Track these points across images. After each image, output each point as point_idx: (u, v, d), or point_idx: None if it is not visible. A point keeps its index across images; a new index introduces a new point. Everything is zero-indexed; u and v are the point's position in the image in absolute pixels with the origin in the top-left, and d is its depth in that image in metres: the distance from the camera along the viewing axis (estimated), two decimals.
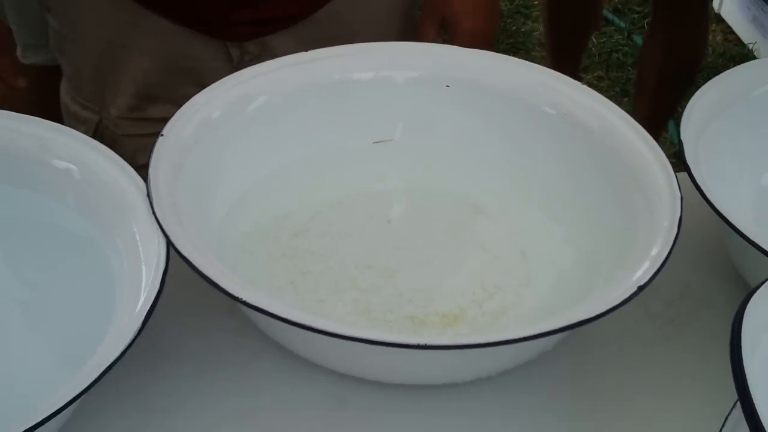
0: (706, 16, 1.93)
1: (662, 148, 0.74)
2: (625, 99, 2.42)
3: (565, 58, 2.15)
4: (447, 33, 1.03)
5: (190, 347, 0.69)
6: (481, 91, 0.81)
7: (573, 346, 0.71)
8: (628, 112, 0.77)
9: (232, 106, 0.76)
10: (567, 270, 0.73)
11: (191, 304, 0.72)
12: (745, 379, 0.44)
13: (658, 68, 1.93)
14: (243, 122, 0.77)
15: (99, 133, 0.98)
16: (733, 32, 2.77)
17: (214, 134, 0.74)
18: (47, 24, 1.03)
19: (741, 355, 0.46)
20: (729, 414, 0.55)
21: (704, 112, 0.77)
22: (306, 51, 0.81)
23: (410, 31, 1.06)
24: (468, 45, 0.94)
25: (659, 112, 2.00)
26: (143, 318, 0.57)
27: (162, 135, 0.71)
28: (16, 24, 1.24)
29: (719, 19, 2.84)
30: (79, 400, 0.54)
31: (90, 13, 0.97)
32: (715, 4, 2.87)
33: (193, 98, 0.74)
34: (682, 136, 0.74)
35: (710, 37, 2.73)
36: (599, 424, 0.66)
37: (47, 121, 0.72)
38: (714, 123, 0.77)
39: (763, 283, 0.50)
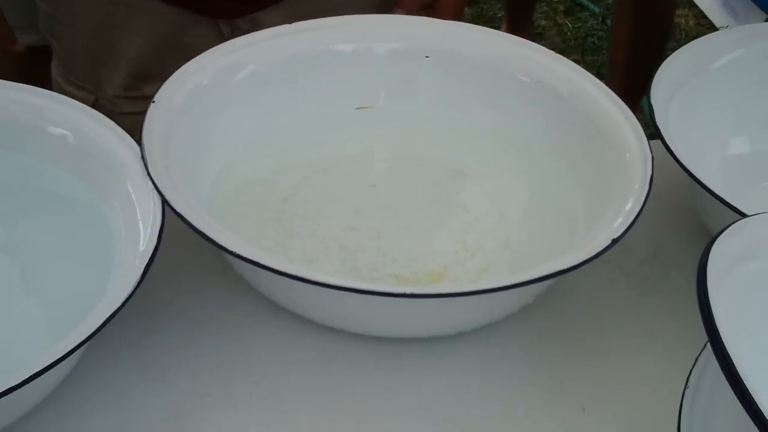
0: None
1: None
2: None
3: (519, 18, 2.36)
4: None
5: (183, 304, 0.72)
6: (459, 61, 0.84)
7: (552, 303, 0.74)
8: None
9: (221, 75, 0.79)
10: (545, 228, 0.77)
11: (185, 264, 0.74)
12: (712, 316, 0.47)
13: (628, 43, 1.97)
14: (231, 90, 0.79)
15: None
16: (705, 16, 2.81)
17: (204, 101, 0.77)
18: (34, 5, 1.05)
19: (707, 293, 0.49)
20: (699, 354, 0.58)
21: (673, 78, 0.80)
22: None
23: (390, 5, 1.09)
24: (450, 12, 0.97)
25: (632, 87, 2.01)
26: (142, 270, 0.60)
27: (154, 102, 0.73)
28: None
29: (691, 4, 2.88)
30: (80, 349, 0.57)
31: None
32: None
33: (183, 66, 0.77)
34: (652, 101, 0.77)
35: (683, 21, 2.77)
36: (577, 375, 0.70)
37: (41, 89, 0.75)
38: (682, 89, 0.81)
39: (725, 228, 0.53)
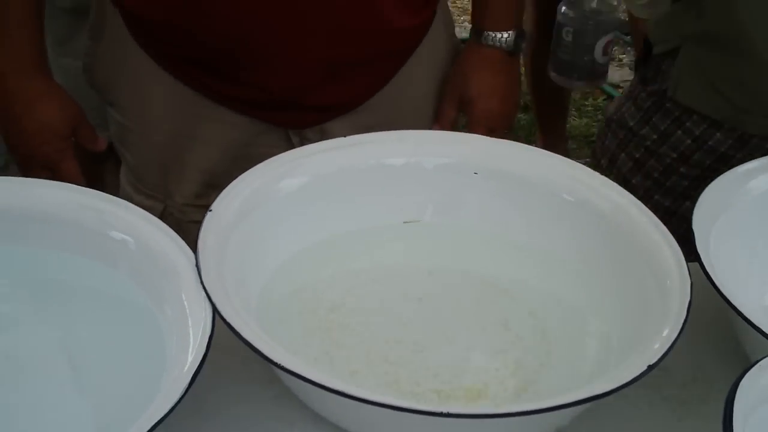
0: None
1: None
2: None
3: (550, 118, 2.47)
4: (464, 112, 1.09)
5: (231, 413, 0.74)
6: (506, 179, 0.87)
7: (589, 426, 0.75)
8: None
9: (275, 186, 0.82)
10: (584, 350, 0.78)
11: (233, 373, 0.76)
12: None
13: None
14: (284, 200, 0.82)
15: (164, 221, 1.03)
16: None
17: (258, 211, 0.80)
18: (105, 109, 1.10)
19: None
20: None
21: (714, 204, 0.82)
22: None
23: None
24: (483, 124, 1.01)
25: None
26: (190, 378, 0.62)
27: (210, 210, 0.76)
28: None
29: None
30: None
31: (157, 107, 1.03)
32: None
33: (240, 177, 0.80)
34: (694, 226, 0.78)
35: None
36: None
37: (105, 194, 0.78)
38: (723, 215, 0.82)
39: (755, 363, 0.54)
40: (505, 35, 1.07)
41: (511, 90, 1.11)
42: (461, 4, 3.36)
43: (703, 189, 0.84)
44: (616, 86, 2.91)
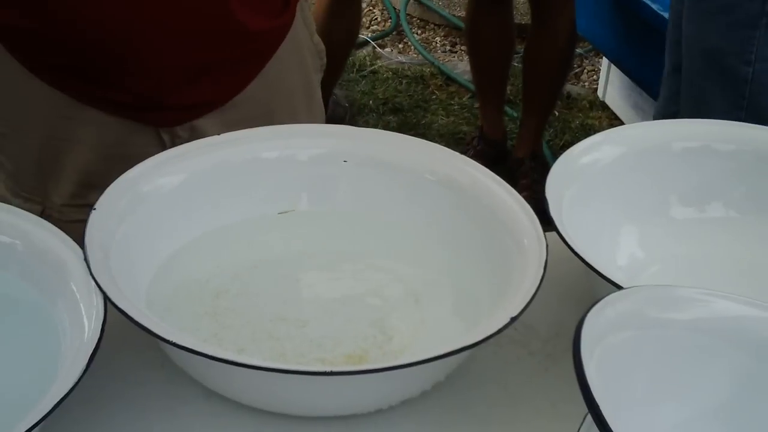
0: (570, 33, 2.51)
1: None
2: None
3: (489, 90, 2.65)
4: None
5: (125, 396, 0.78)
6: (373, 164, 0.93)
7: (463, 379, 0.81)
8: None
9: (156, 183, 0.86)
10: (455, 312, 0.85)
11: (126, 359, 0.80)
12: (587, 382, 0.55)
13: (536, 73, 2.59)
14: (166, 197, 0.87)
15: None
16: (617, 118, 2.97)
17: (141, 208, 0.84)
18: None
19: (581, 360, 0.56)
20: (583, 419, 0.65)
21: (565, 176, 0.90)
22: (229, 131, 0.92)
23: (315, 107, 1.20)
24: None
25: (541, 106, 2.64)
26: (87, 359, 0.66)
27: (95, 209, 0.80)
28: None
29: (604, 107, 3.04)
30: None
31: (29, 111, 1.05)
32: (600, 92, 3.08)
33: (121, 176, 0.84)
34: (547, 195, 0.86)
35: (597, 122, 2.92)
36: None
37: None
38: (573, 186, 0.90)
39: (600, 300, 0.61)
40: None
41: None
42: None
43: None
44: None
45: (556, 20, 2.48)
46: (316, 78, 1.22)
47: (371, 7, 3.60)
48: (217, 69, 1.06)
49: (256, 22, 1.05)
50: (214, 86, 1.07)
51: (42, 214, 1.06)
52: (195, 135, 1.04)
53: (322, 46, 1.23)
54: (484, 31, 2.55)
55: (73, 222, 1.06)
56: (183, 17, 1.01)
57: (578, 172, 0.92)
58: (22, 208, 1.02)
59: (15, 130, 1.08)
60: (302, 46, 1.17)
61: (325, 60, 1.25)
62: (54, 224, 0.79)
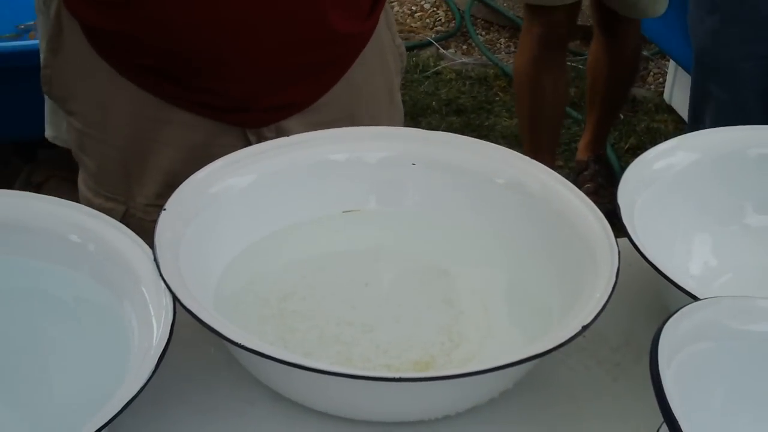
0: (637, 40, 2.46)
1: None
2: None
3: (543, 147, 2.42)
4: None
5: (193, 396, 0.78)
6: (442, 167, 0.92)
7: (532, 388, 0.80)
8: None
9: (226, 184, 0.86)
10: (524, 320, 0.83)
11: (194, 360, 0.80)
12: (664, 394, 0.54)
13: (602, 81, 2.49)
14: (235, 197, 0.87)
15: (125, 222, 1.00)
16: (683, 121, 2.92)
17: (210, 208, 0.84)
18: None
19: (659, 371, 0.55)
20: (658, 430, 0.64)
21: (638, 182, 0.88)
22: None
23: (395, 110, 1.21)
24: None
25: (606, 115, 2.58)
26: (156, 360, 0.66)
27: (165, 209, 0.80)
28: None
29: (670, 110, 2.99)
30: None
31: (117, 113, 1.06)
32: (666, 95, 3.03)
33: (191, 177, 0.84)
34: (619, 201, 0.84)
35: (663, 126, 2.89)
36: None
37: (61, 199, 0.82)
38: (646, 191, 0.88)
39: (676, 311, 0.60)
40: None
41: None
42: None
43: None
44: None
45: (624, 28, 2.41)
46: (397, 80, 1.23)
47: (435, 8, 3.59)
48: (305, 72, 1.07)
49: (345, 25, 1.06)
50: (302, 88, 1.08)
51: (126, 214, 1.08)
52: (281, 135, 1.04)
53: (403, 49, 1.23)
54: (541, 82, 2.33)
55: (155, 222, 1.07)
56: (278, 23, 1.01)
57: (651, 177, 0.90)
58: (105, 208, 1.03)
59: (100, 131, 1.09)
60: (385, 49, 1.17)
61: (405, 62, 1.25)
62: (137, 224, 0.80)
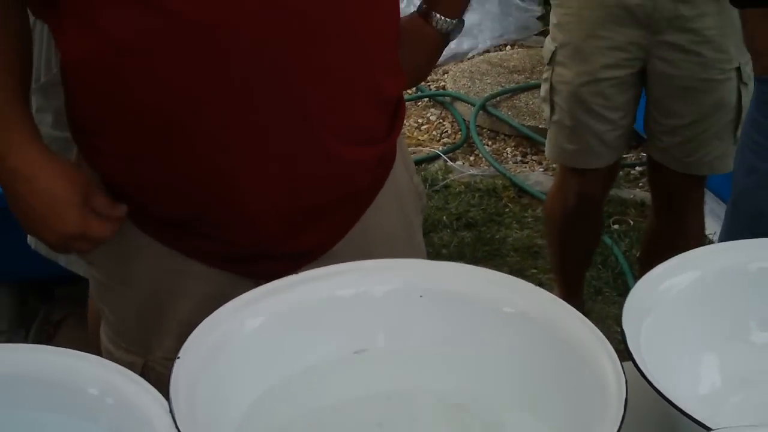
0: (700, 211, 2.28)
1: None
2: (599, 297, 2.57)
3: (573, 276, 2.38)
4: None
5: None
6: (450, 298, 0.93)
7: None
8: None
9: (235, 328, 0.88)
10: None
11: None
12: None
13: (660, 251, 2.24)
14: (245, 342, 0.88)
15: (145, 375, 0.96)
16: None
17: (222, 354, 0.86)
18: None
19: None
20: None
21: (642, 305, 0.90)
22: None
23: (416, 251, 1.20)
24: None
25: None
26: None
27: (179, 357, 0.82)
28: None
29: None
30: None
31: (135, 266, 1.08)
32: None
33: (201, 324, 0.86)
34: (624, 326, 0.85)
35: None
36: None
37: (80, 352, 0.84)
38: (651, 315, 0.90)
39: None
40: (450, 21, 1.19)
41: (428, 69, 1.27)
42: None
43: None
44: None
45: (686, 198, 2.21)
46: (417, 220, 1.22)
47: (441, 120, 3.64)
48: (317, 216, 1.08)
49: (349, 152, 1.06)
50: (315, 235, 1.09)
51: (145, 367, 1.08)
52: None
53: (422, 188, 1.24)
54: (575, 229, 2.25)
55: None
56: (282, 165, 1.02)
57: (654, 300, 0.92)
58: (126, 361, 1.03)
59: (119, 283, 1.10)
60: (402, 189, 1.17)
61: (425, 200, 1.25)
62: (156, 377, 0.81)
